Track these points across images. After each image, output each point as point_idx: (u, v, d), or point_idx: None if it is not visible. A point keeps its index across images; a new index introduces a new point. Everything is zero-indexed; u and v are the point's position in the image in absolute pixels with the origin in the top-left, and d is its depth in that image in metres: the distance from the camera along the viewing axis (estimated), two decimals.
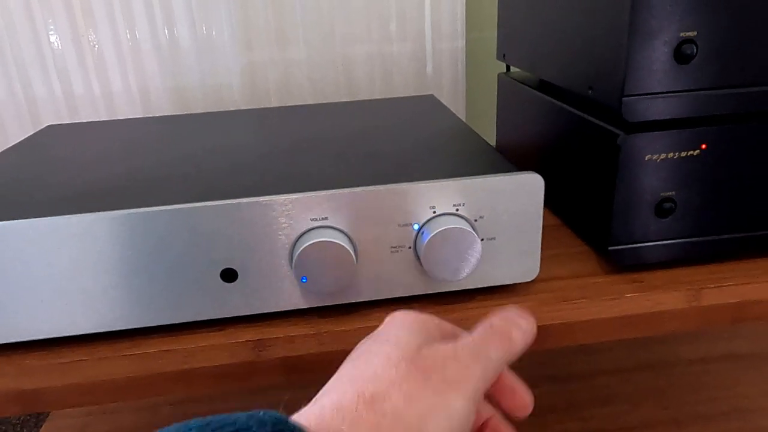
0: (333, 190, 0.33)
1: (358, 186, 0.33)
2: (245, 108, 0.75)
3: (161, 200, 0.33)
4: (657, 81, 0.34)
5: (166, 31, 0.71)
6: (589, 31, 0.38)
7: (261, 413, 0.20)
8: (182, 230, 0.32)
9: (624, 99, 0.34)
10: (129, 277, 0.33)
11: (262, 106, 0.76)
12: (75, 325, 0.34)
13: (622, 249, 0.38)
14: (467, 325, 0.36)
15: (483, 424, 0.30)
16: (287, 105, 0.67)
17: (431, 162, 0.39)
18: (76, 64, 0.71)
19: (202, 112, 0.66)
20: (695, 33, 0.33)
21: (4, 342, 0.34)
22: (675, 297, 0.37)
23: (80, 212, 0.32)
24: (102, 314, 0.34)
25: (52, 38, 0.70)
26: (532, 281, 0.37)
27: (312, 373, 0.36)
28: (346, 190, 0.33)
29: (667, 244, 0.38)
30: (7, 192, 0.37)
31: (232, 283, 0.34)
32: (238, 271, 0.34)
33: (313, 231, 0.33)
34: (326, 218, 0.33)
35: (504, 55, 0.58)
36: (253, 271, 0.34)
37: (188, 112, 0.75)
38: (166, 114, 0.75)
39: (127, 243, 0.32)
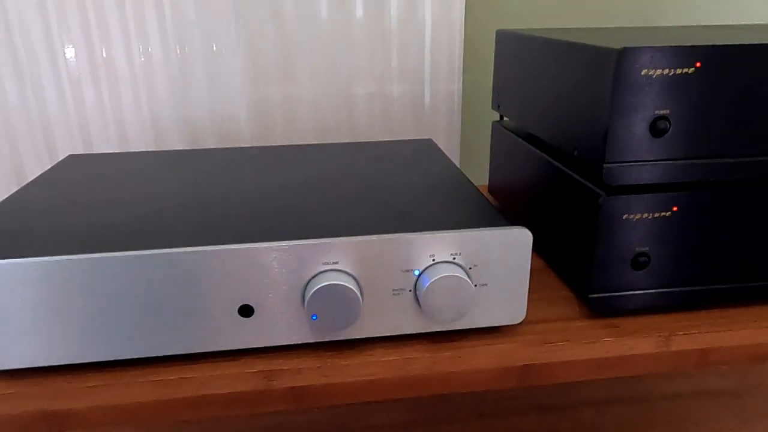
0: (344, 238, 0.37)
1: (364, 233, 0.37)
2: (252, 141, 0.79)
3: (187, 241, 0.36)
4: (634, 151, 0.38)
5: (180, 61, 0.75)
6: (576, 101, 0.42)
7: None
8: (206, 269, 0.36)
9: (605, 165, 0.38)
10: (156, 310, 0.36)
11: (269, 140, 0.80)
12: (103, 351, 0.37)
13: (602, 297, 0.42)
14: (460, 362, 0.40)
15: None
16: (293, 144, 0.71)
17: (431, 211, 0.43)
18: (91, 92, 0.74)
19: (214, 147, 0.69)
20: (668, 111, 0.37)
21: (37, 366, 0.37)
22: (647, 342, 0.41)
23: (116, 250, 0.35)
24: (128, 343, 0.37)
25: (68, 54, 0.73)
26: (519, 324, 0.41)
27: (316, 401, 0.39)
28: (356, 238, 0.37)
29: (641, 293, 0.42)
30: (50, 226, 0.41)
31: (249, 318, 0.37)
32: (254, 307, 0.37)
33: (324, 274, 0.37)
34: (337, 262, 0.37)
35: (498, 106, 0.62)
36: (268, 307, 0.37)
37: (197, 143, 0.78)
38: (175, 144, 0.78)
39: (156, 280, 0.36)
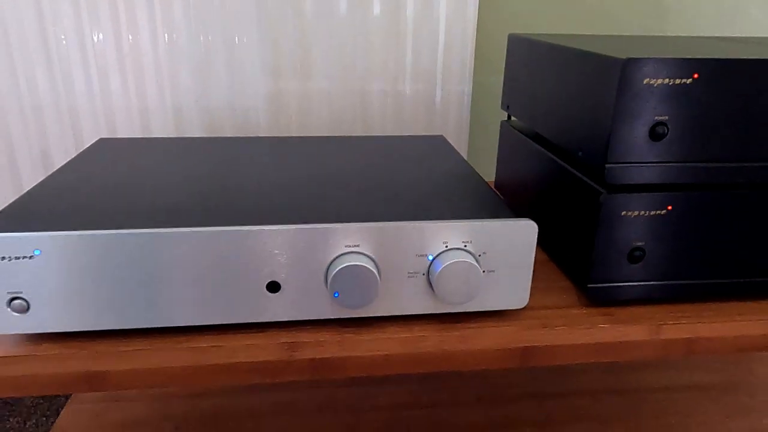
0: (366, 223, 0.40)
1: (385, 220, 0.41)
2: (268, 133, 0.83)
3: (222, 221, 0.40)
4: (634, 153, 0.41)
5: (203, 53, 0.78)
6: (582, 105, 0.46)
7: None
8: (239, 247, 0.39)
9: (607, 165, 0.42)
10: (192, 283, 0.40)
11: (284, 133, 0.83)
12: (141, 319, 0.40)
13: (599, 287, 0.45)
14: (467, 342, 0.43)
15: None
16: (311, 135, 0.74)
17: (445, 202, 0.46)
18: (118, 81, 0.78)
19: (234, 136, 0.72)
20: (667, 117, 0.41)
21: (81, 330, 0.40)
22: (639, 330, 0.45)
23: (158, 227, 0.39)
24: (164, 312, 0.40)
25: (97, 44, 0.76)
26: (522, 308, 0.45)
27: (334, 373, 0.43)
28: (377, 224, 0.40)
29: (635, 285, 0.45)
30: (94, 203, 0.44)
31: (275, 294, 0.41)
32: (281, 284, 0.41)
33: (346, 255, 0.40)
34: (358, 245, 0.40)
35: (507, 106, 0.66)
36: (294, 284, 0.41)
37: (216, 132, 0.82)
38: (195, 133, 0.82)
39: (193, 256, 0.39)
